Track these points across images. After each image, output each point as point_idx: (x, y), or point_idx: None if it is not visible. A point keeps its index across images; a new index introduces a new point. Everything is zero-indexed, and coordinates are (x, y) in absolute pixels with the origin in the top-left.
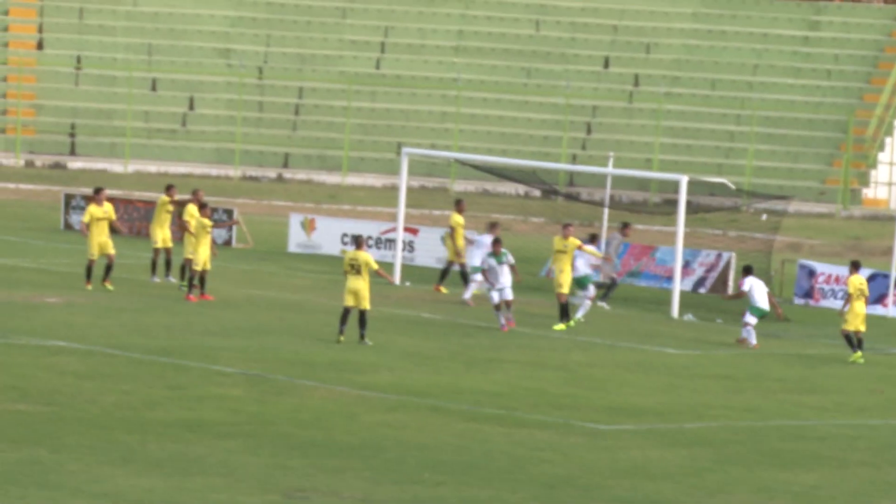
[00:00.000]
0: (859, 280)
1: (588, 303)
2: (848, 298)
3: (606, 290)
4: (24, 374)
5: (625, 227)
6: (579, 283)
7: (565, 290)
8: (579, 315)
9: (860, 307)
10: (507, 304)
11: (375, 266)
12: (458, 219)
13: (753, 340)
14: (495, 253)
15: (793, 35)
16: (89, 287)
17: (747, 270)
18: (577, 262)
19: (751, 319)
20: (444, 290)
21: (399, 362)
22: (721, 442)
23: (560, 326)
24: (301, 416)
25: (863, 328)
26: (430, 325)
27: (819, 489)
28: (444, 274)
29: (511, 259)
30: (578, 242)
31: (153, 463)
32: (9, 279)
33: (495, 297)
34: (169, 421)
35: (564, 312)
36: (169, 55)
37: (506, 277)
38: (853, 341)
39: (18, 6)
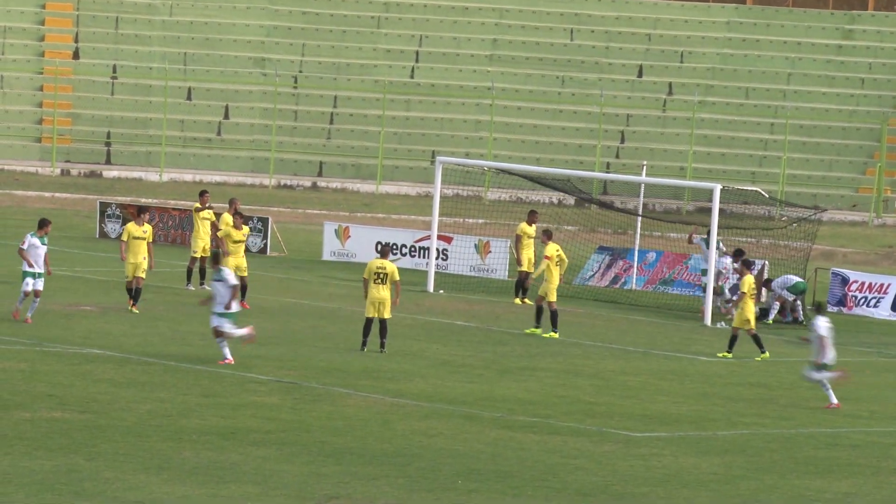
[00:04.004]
0: (752, 280)
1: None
2: (741, 297)
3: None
4: (61, 382)
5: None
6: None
7: (552, 297)
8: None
9: (752, 306)
10: (226, 335)
11: (398, 278)
12: (524, 227)
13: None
14: (212, 268)
15: (826, 44)
16: (134, 309)
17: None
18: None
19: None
20: (528, 301)
21: (433, 370)
22: (755, 450)
23: (547, 334)
24: (335, 424)
25: (754, 327)
26: (464, 333)
27: (853, 497)
28: (519, 286)
29: (232, 279)
30: (555, 248)
31: (188, 470)
32: (45, 287)
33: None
34: (204, 429)
35: (554, 321)
36: (204, 64)
37: (225, 300)
38: (736, 340)
39: (55, 16)
